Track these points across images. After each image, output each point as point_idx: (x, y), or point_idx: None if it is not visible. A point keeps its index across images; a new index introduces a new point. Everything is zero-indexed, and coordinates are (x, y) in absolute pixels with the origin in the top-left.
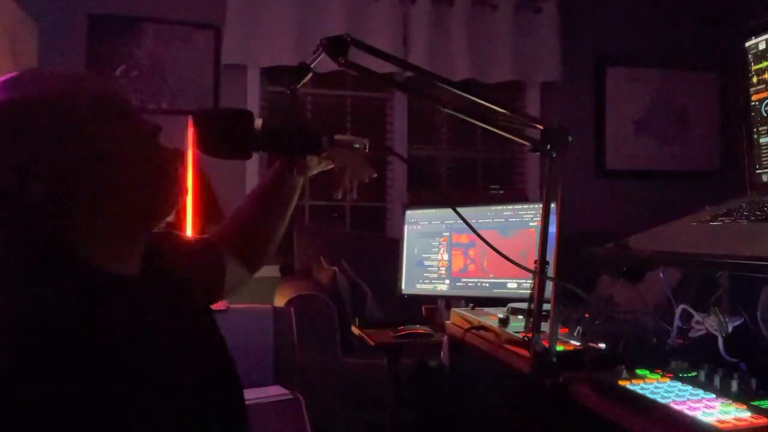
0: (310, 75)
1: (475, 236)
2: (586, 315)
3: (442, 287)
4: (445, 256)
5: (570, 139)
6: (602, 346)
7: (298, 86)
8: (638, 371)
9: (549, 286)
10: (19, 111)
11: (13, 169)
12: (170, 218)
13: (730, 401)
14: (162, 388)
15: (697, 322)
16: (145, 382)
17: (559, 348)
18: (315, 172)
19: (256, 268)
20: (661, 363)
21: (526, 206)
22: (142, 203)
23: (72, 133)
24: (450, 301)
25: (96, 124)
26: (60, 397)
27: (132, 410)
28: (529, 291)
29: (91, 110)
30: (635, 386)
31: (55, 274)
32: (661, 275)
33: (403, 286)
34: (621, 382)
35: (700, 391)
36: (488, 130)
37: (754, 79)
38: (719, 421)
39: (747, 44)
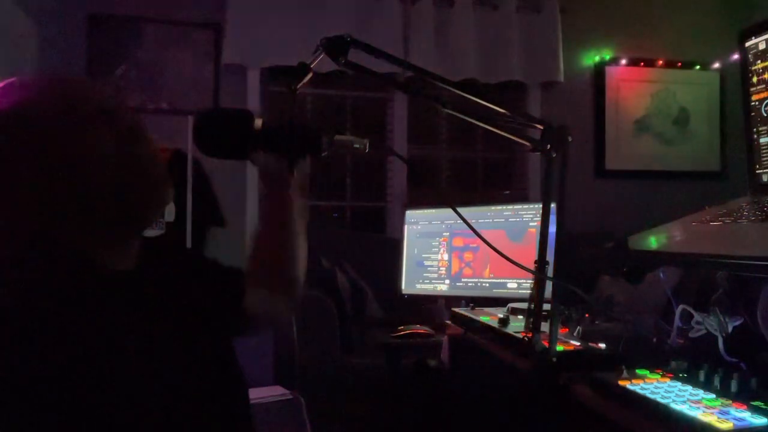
0: (310, 75)
1: (475, 236)
2: (586, 315)
3: (442, 287)
4: (445, 256)
5: (570, 139)
6: (602, 346)
7: (298, 86)
8: (638, 371)
9: (549, 286)
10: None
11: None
12: (171, 218)
13: (730, 401)
14: (148, 378)
15: (697, 322)
16: (129, 370)
17: (559, 348)
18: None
19: (288, 293)
20: (661, 363)
21: (526, 206)
22: (123, 201)
23: (44, 139)
24: (450, 301)
25: (65, 130)
26: (38, 377)
27: (115, 397)
28: (529, 291)
29: (61, 117)
30: (635, 386)
31: (45, 262)
32: (661, 275)
33: (403, 286)
34: (621, 382)
35: (700, 391)
36: (488, 130)
37: (754, 79)
38: (719, 421)
39: (747, 44)
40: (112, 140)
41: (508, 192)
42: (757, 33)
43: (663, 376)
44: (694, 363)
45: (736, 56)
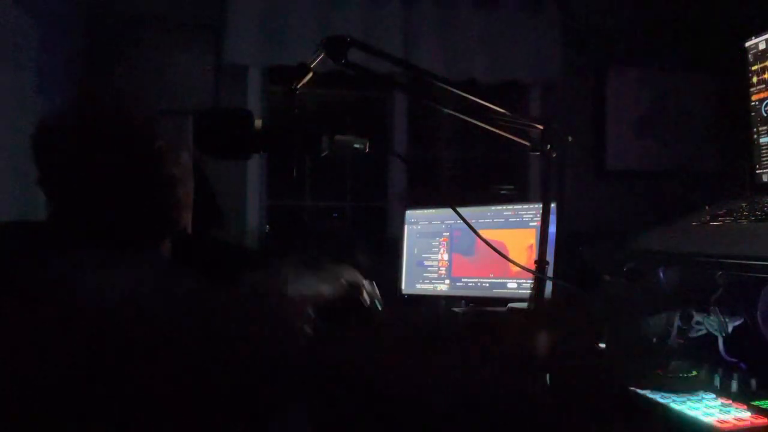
0: (310, 75)
1: (475, 236)
2: None
3: (442, 287)
4: (445, 256)
5: (569, 139)
6: (602, 346)
7: (298, 86)
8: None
9: (549, 286)
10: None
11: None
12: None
13: (730, 401)
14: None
15: (697, 322)
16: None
17: None
18: None
19: None
20: (661, 363)
21: (526, 206)
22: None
23: (60, 159)
24: (450, 301)
25: (78, 153)
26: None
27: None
28: (529, 291)
29: (75, 142)
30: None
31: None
32: (661, 275)
33: (403, 286)
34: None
35: (700, 391)
36: (489, 130)
37: (754, 79)
38: (719, 421)
39: (747, 44)
40: (124, 162)
41: (505, 192)
42: (757, 33)
43: (663, 376)
44: (694, 363)
45: (736, 56)
